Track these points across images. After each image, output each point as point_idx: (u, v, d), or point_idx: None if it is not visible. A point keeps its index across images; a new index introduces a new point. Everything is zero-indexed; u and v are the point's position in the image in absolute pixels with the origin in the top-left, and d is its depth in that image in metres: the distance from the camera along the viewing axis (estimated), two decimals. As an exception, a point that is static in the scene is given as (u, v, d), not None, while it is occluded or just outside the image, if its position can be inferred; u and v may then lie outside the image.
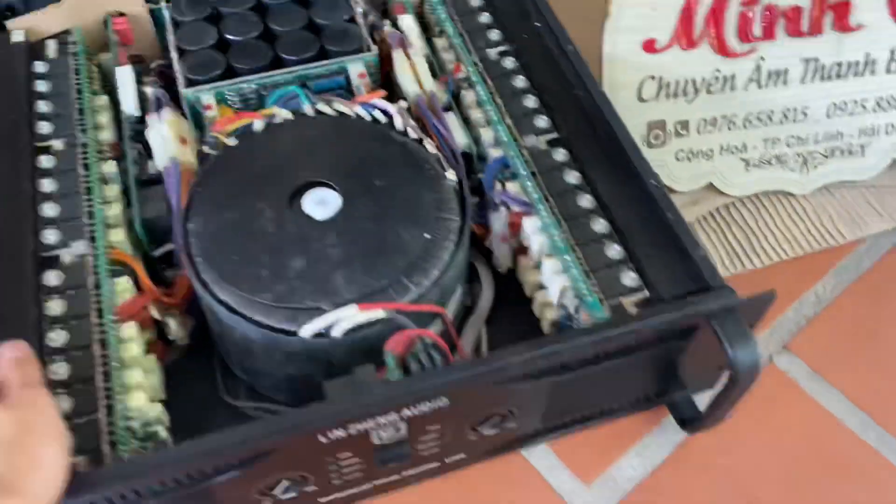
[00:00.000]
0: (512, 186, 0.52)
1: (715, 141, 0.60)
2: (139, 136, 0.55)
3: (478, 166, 0.54)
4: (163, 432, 0.42)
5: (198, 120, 0.55)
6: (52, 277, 0.44)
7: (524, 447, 0.51)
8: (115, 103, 0.57)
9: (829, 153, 0.62)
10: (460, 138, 0.54)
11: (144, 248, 0.50)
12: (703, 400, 0.50)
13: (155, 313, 0.47)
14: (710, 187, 0.62)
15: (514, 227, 0.52)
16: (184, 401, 0.48)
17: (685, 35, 0.57)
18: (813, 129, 0.61)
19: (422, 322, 0.45)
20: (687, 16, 0.56)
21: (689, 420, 0.51)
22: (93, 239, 0.46)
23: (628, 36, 0.56)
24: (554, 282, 0.48)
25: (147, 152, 0.55)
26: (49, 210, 0.47)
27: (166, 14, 0.59)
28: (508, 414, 0.44)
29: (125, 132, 0.54)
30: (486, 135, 0.55)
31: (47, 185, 0.48)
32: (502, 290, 0.56)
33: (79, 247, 0.46)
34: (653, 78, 0.57)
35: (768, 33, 0.57)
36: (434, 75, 0.57)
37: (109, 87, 0.60)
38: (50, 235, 0.46)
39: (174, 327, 0.48)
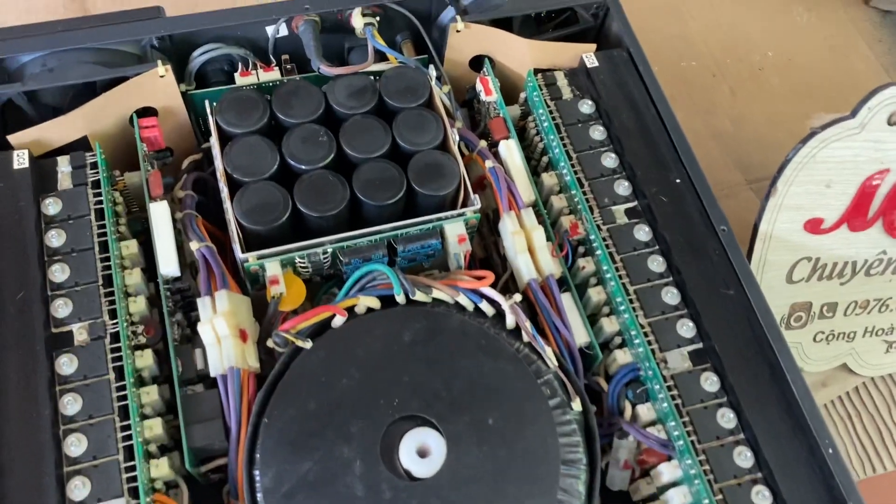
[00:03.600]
0: (645, 411, 0.42)
1: (861, 323, 0.51)
2: (179, 299, 0.44)
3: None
4: None
5: (255, 279, 0.44)
6: (81, 559, 0.35)
7: None
8: (145, 238, 0.45)
9: (977, 335, 0.54)
10: (581, 336, 0.44)
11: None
12: None
13: (209, 583, 0.38)
14: (843, 367, 0.53)
15: (645, 464, 0.43)
16: None
17: (858, 215, 0.46)
18: (967, 310, 0.52)
19: None
20: (864, 195, 0.46)
21: None
22: (132, 491, 0.36)
23: (791, 214, 0.46)
24: (698, 559, 0.39)
25: (187, 320, 0.44)
26: (75, 447, 0.37)
27: (208, 108, 0.47)
28: None
29: (163, 300, 0.42)
30: (609, 326, 0.45)
31: (70, 404, 0.38)
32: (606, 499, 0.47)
33: (115, 510, 0.36)
34: (808, 259, 0.48)
35: (951, 215, 0.48)
36: (545, 229, 0.46)
37: (137, 209, 0.48)
38: (78, 489, 0.36)
39: None
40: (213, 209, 0.47)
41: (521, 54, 0.51)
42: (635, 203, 0.47)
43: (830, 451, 0.39)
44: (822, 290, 0.49)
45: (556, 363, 0.41)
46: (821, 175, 0.45)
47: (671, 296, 0.44)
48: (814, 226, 0.46)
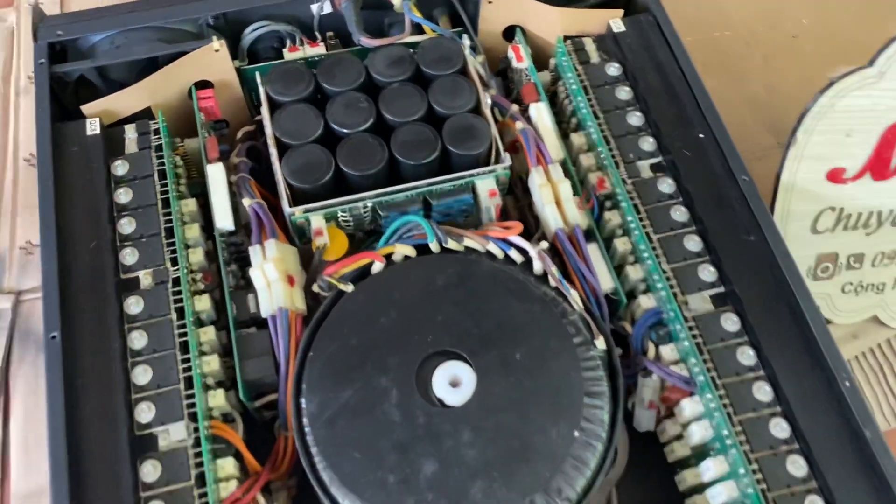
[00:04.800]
0: (668, 351, 0.44)
1: (889, 274, 0.52)
2: (234, 251, 0.48)
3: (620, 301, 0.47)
4: None
5: (302, 233, 0.48)
6: (149, 471, 0.39)
7: None
8: (203, 200, 0.49)
9: None
10: (606, 282, 0.46)
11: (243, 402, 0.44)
12: None
13: (262, 501, 0.41)
14: (873, 320, 0.54)
15: (668, 401, 0.45)
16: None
17: (881, 164, 0.47)
18: None
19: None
20: (886, 144, 0.47)
21: None
22: (192, 416, 0.40)
23: (813, 164, 0.47)
24: (719, 487, 0.41)
25: (241, 270, 0.48)
26: (141, 376, 0.41)
27: (258, 80, 0.51)
28: None
29: (219, 251, 0.47)
30: (634, 273, 0.47)
31: (137, 339, 0.42)
32: (635, 440, 0.49)
33: (177, 430, 0.40)
34: (832, 209, 0.49)
35: (978, 163, 0.48)
36: (574, 186, 0.49)
37: (196, 175, 0.52)
38: (144, 412, 0.40)
39: (282, 512, 0.42)
40: (264, 176, 0.51)
41: (550, 22, 0.54)
42: (660, 158, 0.49)
43: (847, 384, 0.41)
44: (848, 240, 0.50)
45: (582, 305, 0.44)
46: (841, 124, 0.46)
47: (693, 243, 0.46)
48: (836, 175, 0.48)
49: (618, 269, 0.48)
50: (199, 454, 0.39)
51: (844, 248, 0.50)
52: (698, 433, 0.42)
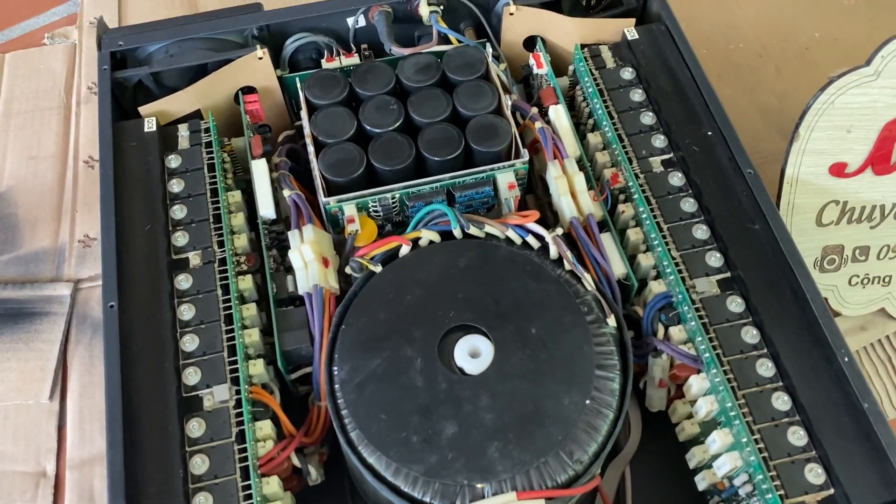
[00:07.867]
0: (676, 332, 0.47)
1: (895, 267, 0.54)
2: (275, 238, 0.52)
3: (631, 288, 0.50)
4: None
5: (336, 222, 0.52)
6: (194, 427, 0.42)
7: None
8: (248, 196, 0.54)
9: None
10: (618, 267, 0.49)
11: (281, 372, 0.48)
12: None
13: (296, 461, 0.45)
14: (881, 312, 0.56)
15: (677, 379, 0.47)
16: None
17: (881, 159, 0.50)
18: None
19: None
20: (886, 140, 0.49)
21: None
22: (234, 380, 0.44)
23: (815, 158, 0.50)
24: (724, 458, 0.44)
25: (282, 256, 0.52)
26: (189, 344, 0.45)
27: (298, 85, 0.55)
28: None
29: (261, 236, 0.51)
30: (646, 261, 0.50)
31: (186, 311, 0.46)
32: (649, 422, 0.52)
33: (221, 392, 0.43)
34: (836, 203, 0.51)
35: (977, 158, 0.51)
36: (587, 179, 0.52)
37: (241, 172, 0.57)
38: (191, 375, 0.44)
39: (314, 473, 0.46)
40: (303, 176, 0.55)
41: (568, 32, 0.58)
42: (671, 155, 0.52)
43: (846, 359, 0.43)
44: (853, 233, 0.53)
45: (594, 287, 0.47)
46: (841, 120, 0.49)
47: (701, 232, 0.49)
48: (838, 170, 0.50)
49: (631, 259, 0.51)
50: (239, 414, 0.43)
51: (849, 240, 0.53)
52: (705, 407, 0.45)
